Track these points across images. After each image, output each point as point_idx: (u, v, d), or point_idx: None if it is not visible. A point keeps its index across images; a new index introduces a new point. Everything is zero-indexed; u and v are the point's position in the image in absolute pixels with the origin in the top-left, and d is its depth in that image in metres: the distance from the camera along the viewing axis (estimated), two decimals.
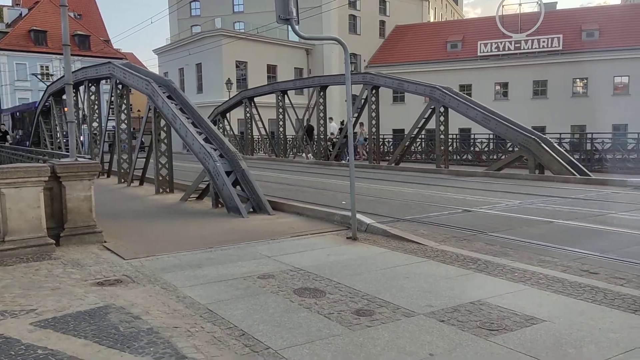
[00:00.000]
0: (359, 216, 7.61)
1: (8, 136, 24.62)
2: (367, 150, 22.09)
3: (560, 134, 19.99)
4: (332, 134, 25.40)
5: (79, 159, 7.25)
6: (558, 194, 11.63)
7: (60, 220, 6.93)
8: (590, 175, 14.57)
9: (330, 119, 26.25)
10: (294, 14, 6.80)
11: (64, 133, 21.21)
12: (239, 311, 4.45)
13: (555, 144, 16.16)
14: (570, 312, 4.21)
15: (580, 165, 15.22)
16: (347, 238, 7.28)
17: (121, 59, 51.72)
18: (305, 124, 26.11)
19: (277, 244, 7.08)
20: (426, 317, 4.15)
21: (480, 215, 9.06)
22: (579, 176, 14.31)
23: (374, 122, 21.36)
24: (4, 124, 26.84)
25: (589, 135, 19.67)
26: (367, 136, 22.58)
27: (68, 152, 16.60)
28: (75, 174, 6.94)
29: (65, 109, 18.69)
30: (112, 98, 15.05)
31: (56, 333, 3.96)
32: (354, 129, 21.46)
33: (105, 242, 7.11)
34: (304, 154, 26.32)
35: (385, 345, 3.63)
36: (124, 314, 4.38)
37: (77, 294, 4.93)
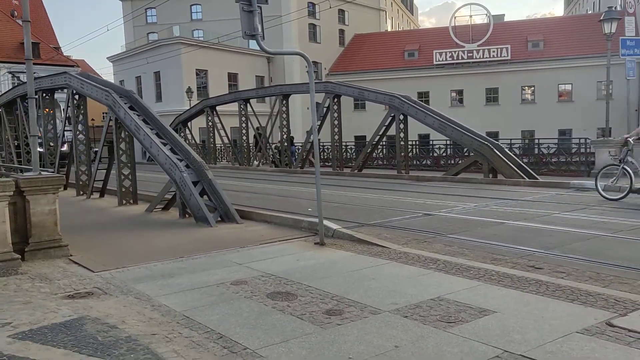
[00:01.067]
0: (325, 222, 7.87)
1: None
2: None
3: (511, 139, 20.93)
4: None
5: (42, 172, 7.21)
6: (509, 196, 12.27)
7: (24, 235, 6.88)
8: (537, 178, 15.39)
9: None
10: (259, 30, 7.03)
11: (16, 145, 20.64)
12: (215, 316, 4.62)
13: (507, 149, 16.96)
14: (517, 303, 4.60)
15: (529, 169, 16.04)
16: (315, 244, 7.52)
17: (72, 66, 50.48)
18: (255, 132, 26.71)
19: (247, 252, 7.25)
20: (391, 314, 4.44)
21: (440, 218, 9.49)
22: (527, 179, 15.09)
23: (336, 129, 21.75)
24: None
25: (537, 140, 20.69)
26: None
27: (21, 165, 16.20)
28: (40, 187, 6.93)
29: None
30: (69, 109, 14.83)
31: (35, 344, 4.03)
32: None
33: (71, 255, 7.10)
34: (256, 162, 26.78)
35: (355, 341, 3.89)
36: (100, 324, 4.48)
37: (49, 307, 4.97)
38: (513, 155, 16.67)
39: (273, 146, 27.28)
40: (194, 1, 49.23)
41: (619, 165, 11.26)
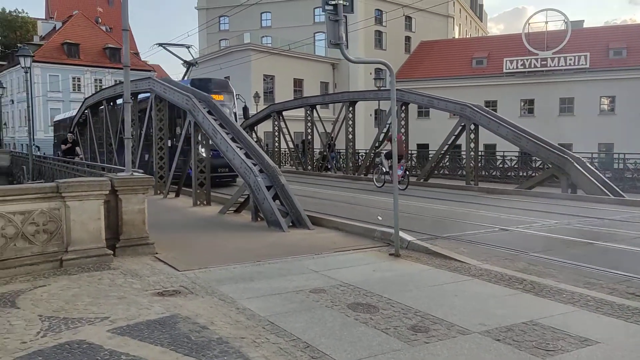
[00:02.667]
0: (400, 233, 7.79)
1: (78, 148, 20.36)
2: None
3: (592, 153, 19.89)
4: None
5: (134, 173, 7.60)
6: (593, 214, 11.62)
7: (115, 232, 7.26)
8: (623, 196, 14.49)
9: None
10: (344, 39, 7.09)
11: (99, 144, 21.88)
12: (299, 324, 4.67)
13: (588, 163, 16.12)
14: (623, 334, 4.33)
15: (614, 186, 15.14)
16: (390, 254, 7.46)
17: (149, 71, 53.02)
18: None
19: (322, 259, 7.30)
20: (481, 336, 4.31)
21: (518, 235, 9.16)
22: (612, 197, 14.24)
23: (404, 137, 21.51)
24: (72, 132, 22.94)
25: (620, 155, 19.53)
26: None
27: (104, 163, 17.10)
28: (131, 187, 7.30)
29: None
30: (151, 112, 15.56)
31: (134, 340, 4.23)
32: (382, 145, 21.81)
33: (156, 253, 7.42)
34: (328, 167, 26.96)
35: None
36: (191, 324, 4.64)
37: (142, 304, 5.21)
38: (595, 170, 15.81)
39: (317, 152, 27.65)
40: (264, 9, 50.41)
41: None
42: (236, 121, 16.53)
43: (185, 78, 21.42)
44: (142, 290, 5.69)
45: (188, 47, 22.33)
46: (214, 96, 14.63)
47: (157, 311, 4.96)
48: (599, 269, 6.64)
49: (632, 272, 6.47)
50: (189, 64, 22.39)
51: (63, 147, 19.98)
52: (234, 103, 19.46)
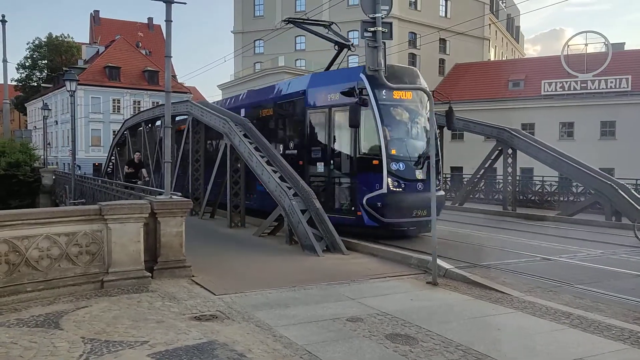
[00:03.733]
0: (437, 260, 7.63)
1: (144, 170, 16.37)
2: None
3: (637, 179, 19.19)
4: None
5: (172, 196, 7.71)
6: None
7: (153, 254, 7.35)
8: None
9: None
10: (382, 65, 7.10)
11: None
12: (337, 354, 4.59)
13: (632, 190, 15.55)
14: None
15: None
16: (427, 283, 7.31)
17: (186, 93, 54.35)
18: None
19: (357, 286, 7.20)
20: None
21: (562, 265, 8.84)
22: None
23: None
24: (138, 152, 18.17)
25: None
26: None
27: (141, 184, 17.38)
28: (170, 210, 7.40)
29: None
30: (189, 134, 15.87)
31: None
32: None
33: (193, 276, 7.46)
34: None
35: None
36: (229, 351, 4.62)
37: (180, 328, 5.23)
38: None
39: None
40: (298, 32, 51.15)
41: None
42: (435, 136, 10.55)
43: (335, 67, 14.70)
44: (179, 314, 5.71)
45: (329, 24, 14.83)
46: (396, 93, 11.07)
47: (195, 336, 4.96)
48: None
49: None
50: (341, 46, 14.33)
51: (127, 169, 16.02)
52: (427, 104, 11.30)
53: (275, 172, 11.38)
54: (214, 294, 6.59)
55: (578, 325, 5.32)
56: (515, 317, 5.65)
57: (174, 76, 63.26)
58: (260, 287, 6.97)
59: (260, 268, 8.32)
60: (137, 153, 17.45)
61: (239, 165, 13.21)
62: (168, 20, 7.70)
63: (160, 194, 8.10)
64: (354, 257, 9.43)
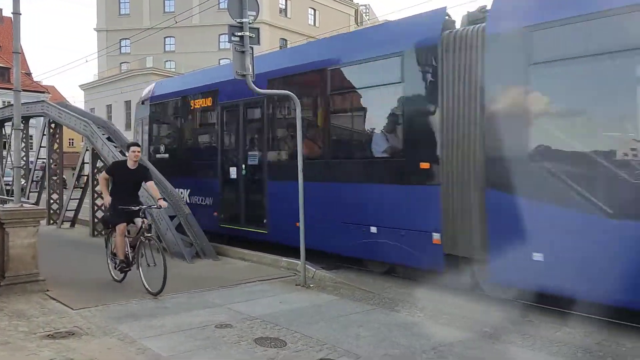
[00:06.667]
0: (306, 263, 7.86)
1: None
2: None
3: None
4: None
5: (24, 204, 7.03)
6: None
7: (1, 269, 6.64)
8: None
9: None
10: (250, 70, 7.17)
11: None
12: None
13: None
14: None
15: None
16: (296, 285, 7.51)
17: (43, 92, 49.61)
18: None
19: (227, 291, 7.17)
20: None
21: None
22: None
23: None
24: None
25: None
26: None
27: None
28: (20, 220, 6.75)
29: None
30: (44, 137, 14.54)
31: None
32: None
33: (48, 290, 6.86)
34: None
35: None
36: None
37: (30, 349, 4.80)
38: None
39: None
40: (167, 33, 49.41)
41: None
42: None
43: None
44: (29, 334, 5.23)
45: None
46: None
47: (47, 356, 4.59)
48: None
49: None
50: None
51: None
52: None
53: None
54: (72, 309, 6.12)
55: (431, 318, 5.85)
56: (376, 314, 6.04)
57: (29, 74, 57.37)
58: (124, 298, 6.63)
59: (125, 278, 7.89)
60: None
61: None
62: (16, 13, 6.99)
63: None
64: (225, 262, 9.37)
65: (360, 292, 7.06)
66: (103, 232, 12.28)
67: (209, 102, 11.24)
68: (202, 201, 11.36)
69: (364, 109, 8.43)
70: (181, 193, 11.26)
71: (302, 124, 7.78)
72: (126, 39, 47.15)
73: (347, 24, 52.40)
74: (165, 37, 49.74)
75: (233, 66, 7.28)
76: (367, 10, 58.39)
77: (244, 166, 10.33)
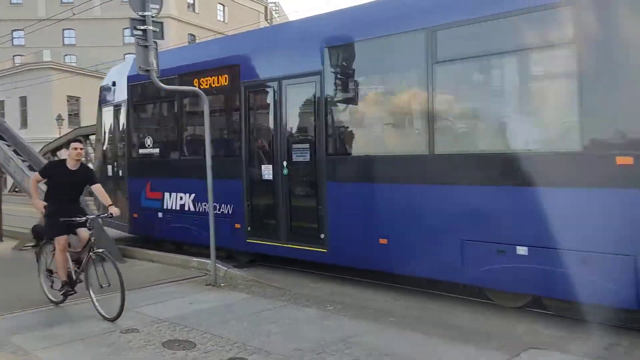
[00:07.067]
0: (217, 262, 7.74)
1: None
2: None
3: None
4: None
5: None
6: None
7: None
8: None
9: None
10: (154, 64, 6.92)
11: None
12: None
13: None
14: None
15: None
16: (207, 285, 7.37)
17: None
18: None
19: (134, 295, 6.84)
20: None
21: None
22: None
23: None
24: None
25: None
26: None
27: None
28: None
29: None
30: None
31: None
32: None
33: None
34: None
35: None
36: None
37: None
38: None
39: None
40: (66, 25, 46.29)
41: None
42: None
43: None
44: None
45: None
46: None
47: None
48: None
49: None
50: None
51: None
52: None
53: None
54: None
55: (341, 311, 5.98)
56: (287, 310, 6.08)
57: None
58: (17, 307, 6.16)
59: (17, 286, 7.28)
60: None
61: None
62: None
63: None
64: (132, 264, 9.00)
65: (272, 289, 7.07)
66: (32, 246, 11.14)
67: (224, 80, 8.83)
68: (215, 210, 8.33)
69: None
70: (180, 199, 9.49)
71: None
72: (20, 29, 43.56)
73: (257, 20, 52.13)
74: (64, 30, 46.58)
75: (136, 61, 7.00)
76: (277, 8, 58.44)
77: (285, 163, 8.03)
